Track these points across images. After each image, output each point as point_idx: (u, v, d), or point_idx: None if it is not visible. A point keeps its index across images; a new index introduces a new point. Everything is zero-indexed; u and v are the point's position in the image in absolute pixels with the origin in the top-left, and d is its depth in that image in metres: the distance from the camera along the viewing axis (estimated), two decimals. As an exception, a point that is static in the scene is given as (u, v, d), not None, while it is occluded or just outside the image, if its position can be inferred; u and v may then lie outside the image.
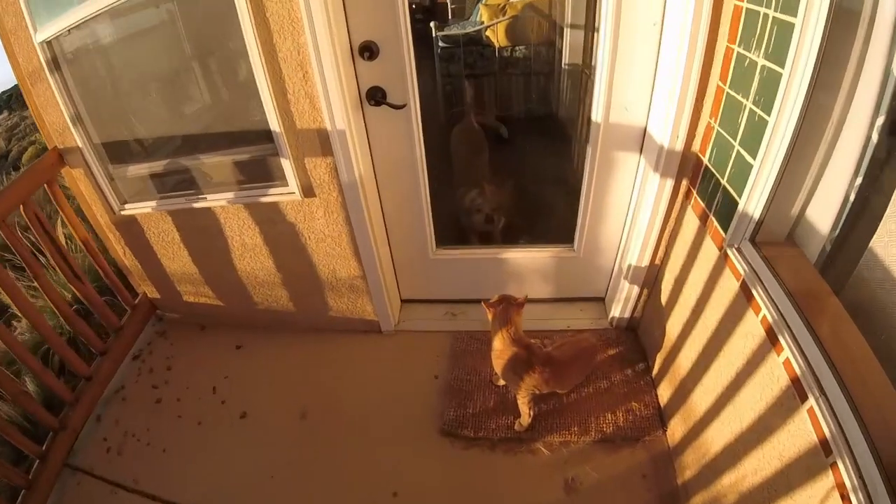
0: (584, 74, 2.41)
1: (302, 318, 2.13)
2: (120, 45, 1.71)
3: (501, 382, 1.83)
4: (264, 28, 1.41)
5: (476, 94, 3.32)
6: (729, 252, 1.24)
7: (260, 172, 1.76)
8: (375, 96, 1.62)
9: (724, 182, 1.27)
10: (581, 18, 2.50)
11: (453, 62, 3.30)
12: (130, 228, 1.95)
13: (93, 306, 1.99)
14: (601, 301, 2.15)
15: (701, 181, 1.41)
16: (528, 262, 2.05)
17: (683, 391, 1.55)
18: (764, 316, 1.09)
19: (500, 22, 3.27)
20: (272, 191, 1.76)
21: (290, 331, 2.16)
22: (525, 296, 1.60)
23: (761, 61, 1.09)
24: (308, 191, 1.72)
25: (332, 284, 1.97)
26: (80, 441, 1.82)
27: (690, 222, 1.48)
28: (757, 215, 1.17)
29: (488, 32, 3.32)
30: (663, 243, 1.67)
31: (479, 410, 1.81)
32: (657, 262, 1.73)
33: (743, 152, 1.17)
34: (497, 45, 3.28)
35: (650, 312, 1.86)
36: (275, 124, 1.59)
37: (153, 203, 1.87)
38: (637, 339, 2.00)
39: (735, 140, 1.20)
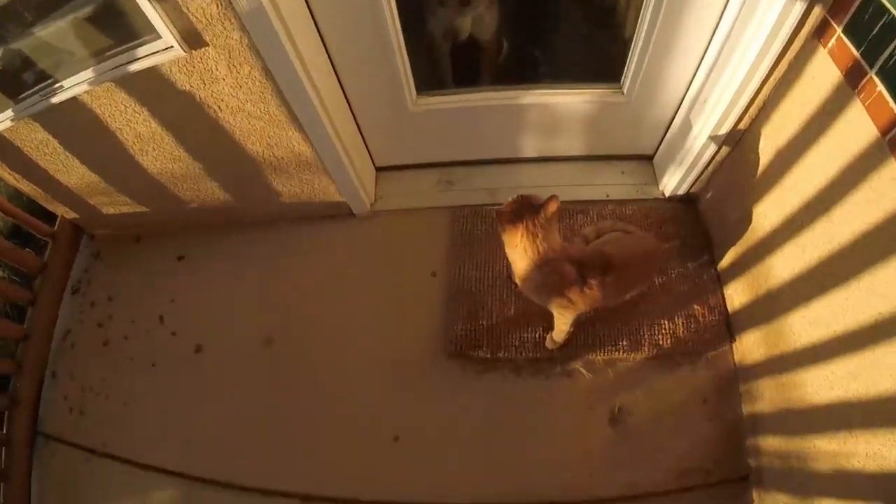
0: None
1: (247, 210, 1.69)
2: None
3: None
4: None
5: None
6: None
7: (120, 29, 1.18)
8: None
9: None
10: None
11: None
12: (3, 150, 1.48)
13: (-1, 254, 1.66)
14: (648, 161, 1.67)
15: (855, 15, 0.95)
16: (553, 108, 1.49)
17: (772, 305, 1.26)
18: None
19: None
20: (142, 51, 1.17)
21: (237, 228, 1.74)
22: (555, 197, 1.09)
23: None
24: (192, 38, 1.12)
25: (272, 165, 1.47)
26: (44, 405, 1.62)
27: (822, 75, 1.04)
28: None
29: None
30: (762, 95, 1.21)
31: (496, 321, 1.44)
32: (748, 119, 1.28)
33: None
34: None
35: (723, 186, 1.47)
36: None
37: (10, 113, 1.37)
38: (698, 218, 1.58)
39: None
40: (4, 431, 1.53)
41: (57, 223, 1.81)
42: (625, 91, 1.43)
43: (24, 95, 1.36)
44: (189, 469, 1.42)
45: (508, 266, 1.39)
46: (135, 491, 1.44)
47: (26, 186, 1.63)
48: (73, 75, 1.29)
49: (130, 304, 1.70)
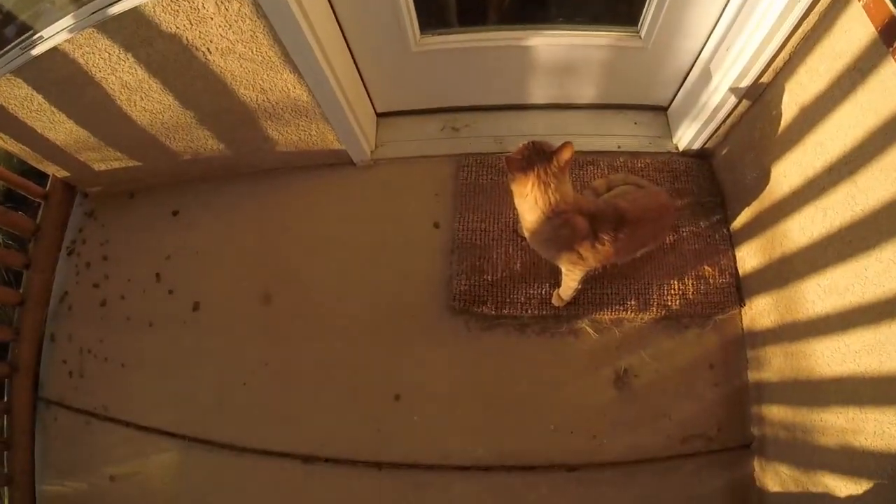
0: None
1: (243, 160, 1.64)
2: None
3: None
4: None
5: None
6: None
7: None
8: None
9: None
10: None
11: None
12: (-16, 108, 1.45)
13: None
14: (663, 112, 1.61)
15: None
16: (564, 51, 1.44)
17: (786, 270, 1.23)
18: None
19: None
20: (120, -9, 1.10)
21: (233, 180, 1.70)
22: (569, 144, 1.02)
23: None
24: (175, -28, 1.05)
25: (267, 111, 1.42)
26: (43, 369, 1.61)
27: (855, 30, 0.99)
28: None
29: None
30: (789, 47, 1.16)
31: (502, 276, 1.42)
32: (772, 72, 1.23)
33: None
34: None
35: (741, 142, 1.40)
36: None
37: (-14, 71, 1.32)
38: (712, 175, 1.53)
39: None
40: (6, 399, 1.52)
41: (49, 183, 1.77)
42: (642, 35, 1.36)
43: (4, 51, 1.33)
44: (188, 430, 1.42)
45: (516, 218, 1.37)
46: (136, 453, 1.44)
47: (14, 146, 1.59)
48: (52, 24, 1.24)
49: (126, 263, 1.67)
